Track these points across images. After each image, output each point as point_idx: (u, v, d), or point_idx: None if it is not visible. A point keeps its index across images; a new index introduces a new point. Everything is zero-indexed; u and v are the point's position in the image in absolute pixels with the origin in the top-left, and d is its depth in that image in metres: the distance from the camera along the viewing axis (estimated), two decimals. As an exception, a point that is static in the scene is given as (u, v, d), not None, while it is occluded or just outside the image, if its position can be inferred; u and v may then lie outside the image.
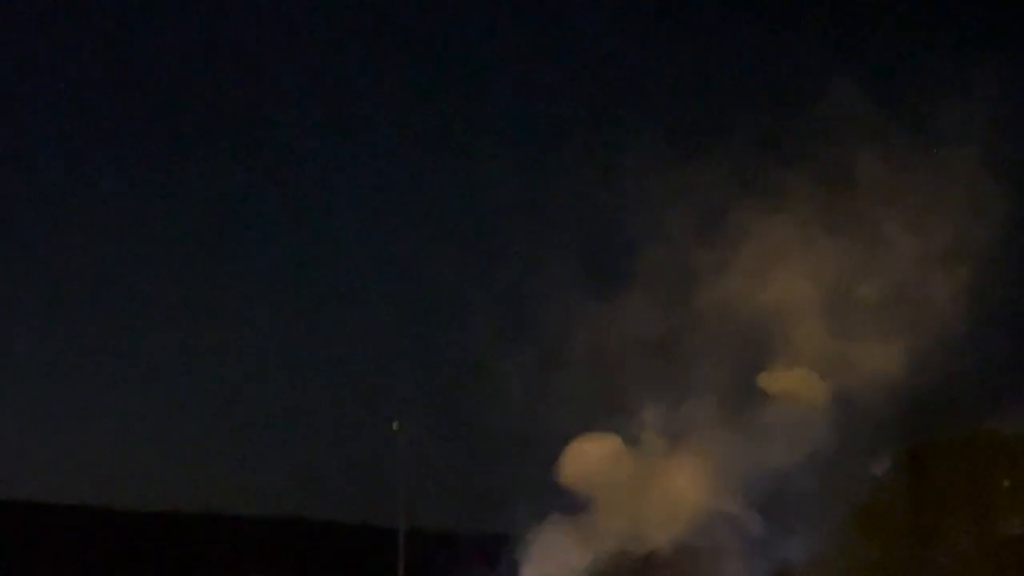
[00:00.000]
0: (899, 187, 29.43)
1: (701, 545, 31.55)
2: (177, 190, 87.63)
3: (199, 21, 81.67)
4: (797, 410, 30.20)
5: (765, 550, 31.06)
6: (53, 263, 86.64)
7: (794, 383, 30.32)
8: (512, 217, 33.66)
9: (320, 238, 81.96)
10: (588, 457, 32.72)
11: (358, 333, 76.60)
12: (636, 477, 32.24)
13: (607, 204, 31.83)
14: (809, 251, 30.09)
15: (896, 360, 29.30)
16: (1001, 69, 29.37)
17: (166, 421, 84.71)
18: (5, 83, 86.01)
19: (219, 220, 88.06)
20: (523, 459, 33.78)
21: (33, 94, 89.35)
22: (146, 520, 63.28)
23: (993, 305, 29.85)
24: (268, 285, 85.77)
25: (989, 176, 29.17)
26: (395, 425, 37.37)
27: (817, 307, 30.22)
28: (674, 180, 30.16)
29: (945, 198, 29.26)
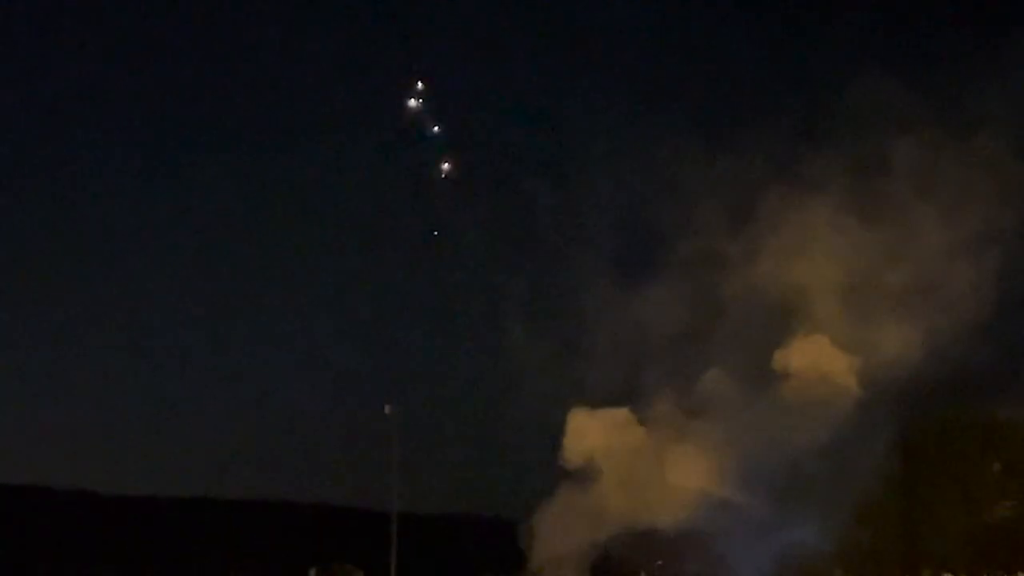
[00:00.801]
0: (929, 174, 29.48)
1: (704, 528, 31.66)
2: (176, 180, 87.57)
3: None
4: (814, 390, 30.35)
5: (766, 535, 31.18)
6: (51, 259, 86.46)
7: (817, 355, 30.44)
8: (542, 203, 33.77)
9: (328, 223, 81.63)
10: (592, 430, 32.83)
11: (357, 316, 76.60)
12: (643, 452, 32.42)
13: (640, 192, 32.05)
14: (836, 236, 30.18)
15: (915, 344, 29.39)
16: None
17: (161, 408, 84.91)
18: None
19: (219, 204, 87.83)
20: (530, 442, 33.96)
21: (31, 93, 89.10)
22: (141, 504, 63.31)
23: (1017, 292, 30.00)
24: (266, 271, 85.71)
25: (1018, 164, 29.27)
26: (387, 409, 37.32)
27: (841, 290, 30.36)
28: (707, 169, 30.35)
29: (974, 185, 29.30)
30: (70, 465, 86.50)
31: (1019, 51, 29.23)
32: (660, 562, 36.30)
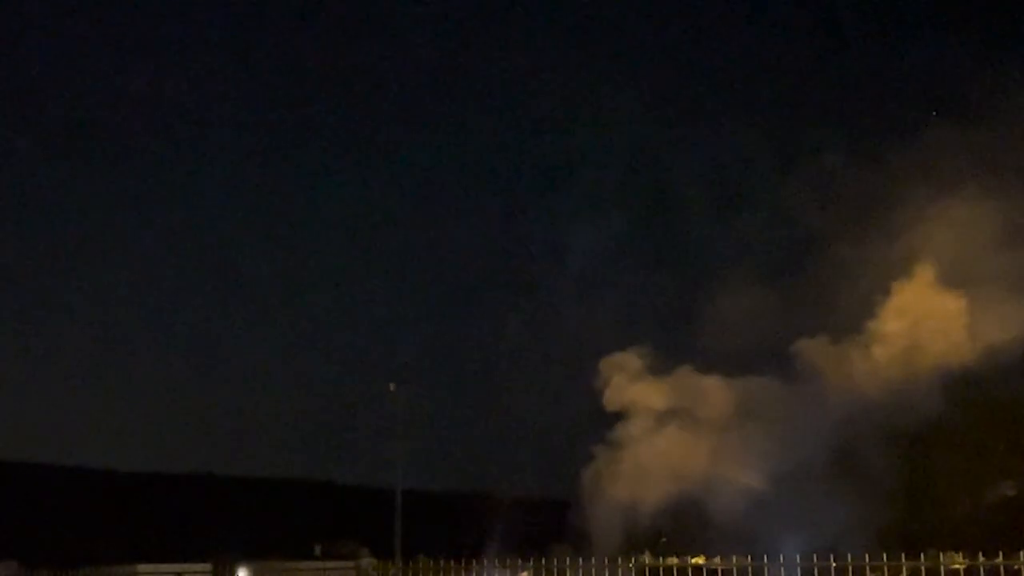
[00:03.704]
0: None
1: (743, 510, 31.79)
2: (180, 158, 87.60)
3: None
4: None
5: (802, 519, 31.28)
6: (55, 236, 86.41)
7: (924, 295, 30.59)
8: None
9: (337, 199, 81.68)
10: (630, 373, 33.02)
11: (363, 292, 76.70)
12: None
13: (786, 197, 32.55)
14: (956, 221, 30.25)
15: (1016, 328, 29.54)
16: None
17: (165, 384, 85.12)
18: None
19: (225, 182, 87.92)
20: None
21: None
22: (144, 481, 63.40)
23: None
24: (271, 246, 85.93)
25: None
26: (392, 386, 37.31)
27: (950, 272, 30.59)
28: (850, 177, 30.73)
29: None
30: (73, 442, 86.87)
31: None
32: (664, 539, 36.43)
